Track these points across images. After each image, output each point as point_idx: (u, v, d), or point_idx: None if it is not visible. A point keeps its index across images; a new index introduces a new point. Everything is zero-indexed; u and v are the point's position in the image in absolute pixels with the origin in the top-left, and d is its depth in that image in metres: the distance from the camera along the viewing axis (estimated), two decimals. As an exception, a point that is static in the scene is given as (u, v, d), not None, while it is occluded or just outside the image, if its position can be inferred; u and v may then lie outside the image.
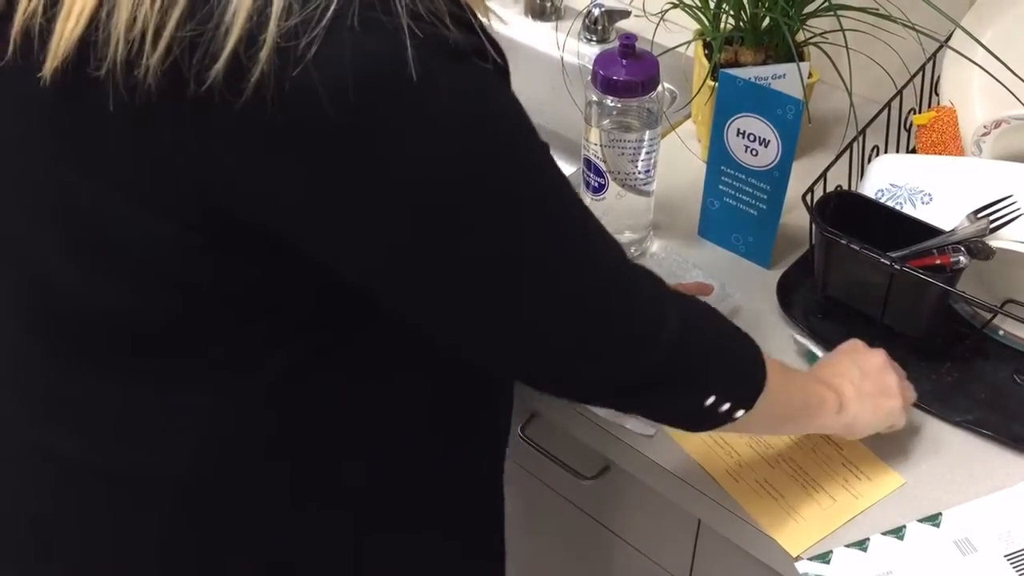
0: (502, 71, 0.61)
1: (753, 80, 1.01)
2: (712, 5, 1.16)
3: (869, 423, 0.87)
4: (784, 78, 1.09)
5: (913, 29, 1.01)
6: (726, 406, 0.74)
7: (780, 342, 1.01)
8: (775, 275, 1.07)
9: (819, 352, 0.98)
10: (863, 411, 0.85)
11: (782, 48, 1.14)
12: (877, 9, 1.06)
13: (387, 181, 0.56)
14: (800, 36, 1.15)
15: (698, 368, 0.72)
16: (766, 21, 1.13)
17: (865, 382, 0.86)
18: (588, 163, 1.07)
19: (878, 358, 0.89)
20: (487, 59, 0.58)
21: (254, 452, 0.71)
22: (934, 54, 1.12)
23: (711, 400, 0.73)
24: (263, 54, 0.52)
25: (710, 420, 0.75)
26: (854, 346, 0.91)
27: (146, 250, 0.61)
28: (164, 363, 0.67)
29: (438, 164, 0.56)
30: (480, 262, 0.61)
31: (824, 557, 0.84)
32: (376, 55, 0.53)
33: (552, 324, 0.65)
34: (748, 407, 0.75)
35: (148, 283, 0.63)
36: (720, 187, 1.08)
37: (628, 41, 1.00)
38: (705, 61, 1.17)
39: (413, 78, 0.53)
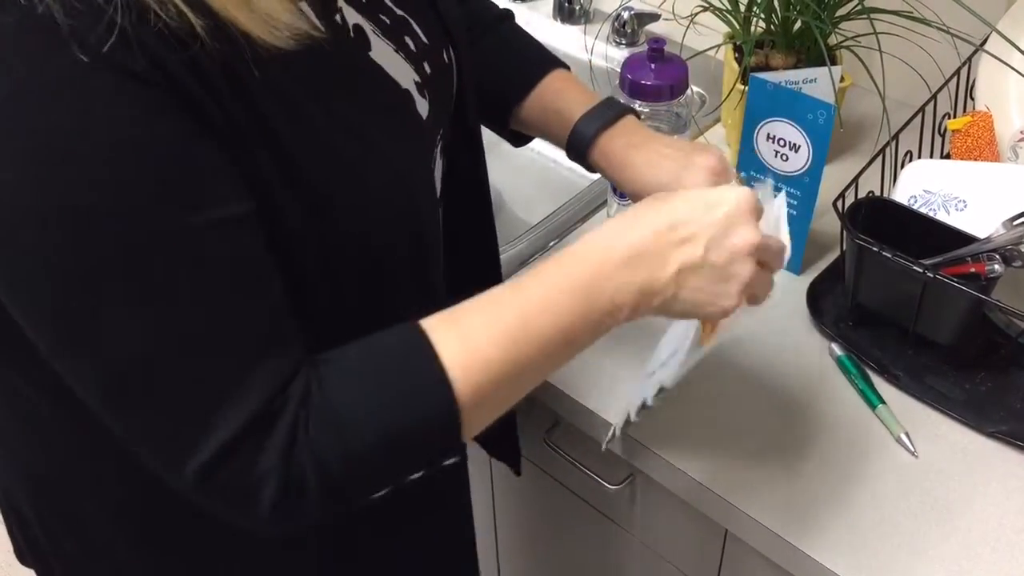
0: None
1: (784, 84, 1.00)
2: (742, 8, 1.15)
3: (687, 311, 0.69)
4: (815, 82, 1.08)
5: (948, 32, 1.00)
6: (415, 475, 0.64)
7: (809, 350, 1.00)
8: (805, 281, 1.06)
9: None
10: (685, 297, 0.67)
11: (814, 52, 1.12)
12: (911, 12, 1.04)
13: None
14: (832, 39, 1.14)
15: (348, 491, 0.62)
16: (797, 24, 1.12)
17: (710, 255, 0.66)
18: (616, 167, 1.06)
19: (748, 232, 0.67)
20: None
21: None
22: (969, 58, 1.10)
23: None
24: None
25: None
26: (719, 199, 0.68)
27: None
28: None
29: None
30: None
31: None
32: None
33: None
34: (454, 455, 0.64)
35: None
36: (749, 192, 1.07)
37: (657, 45, 0.99)
38: (735, 65, 1.16)
39: None
